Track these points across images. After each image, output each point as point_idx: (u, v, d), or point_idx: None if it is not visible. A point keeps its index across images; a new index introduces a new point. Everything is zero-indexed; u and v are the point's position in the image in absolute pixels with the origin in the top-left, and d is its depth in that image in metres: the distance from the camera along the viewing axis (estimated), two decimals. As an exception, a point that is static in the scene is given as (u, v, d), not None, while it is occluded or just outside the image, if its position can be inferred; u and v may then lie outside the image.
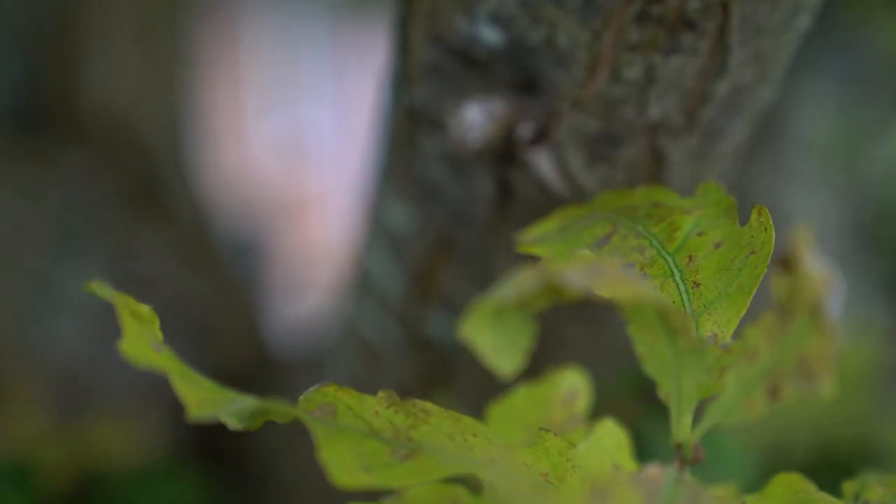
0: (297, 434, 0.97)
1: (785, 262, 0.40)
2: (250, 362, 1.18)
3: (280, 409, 0.42)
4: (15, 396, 1.02)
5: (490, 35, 0.56)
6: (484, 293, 0.67)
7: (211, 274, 1.19)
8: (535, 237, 0.52)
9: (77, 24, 1.12)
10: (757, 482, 0.71)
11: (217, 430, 1.11)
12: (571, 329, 0.71)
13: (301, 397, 0.44)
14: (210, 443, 1.09)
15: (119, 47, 1.14)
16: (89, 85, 1.12)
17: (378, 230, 0.74)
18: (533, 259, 0.52)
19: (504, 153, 0.59)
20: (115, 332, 1.09)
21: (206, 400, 0.41)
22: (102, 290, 0.43)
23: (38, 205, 1.08)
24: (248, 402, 0.42)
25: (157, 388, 1.09)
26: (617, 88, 0.55)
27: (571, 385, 0.53)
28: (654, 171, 0.59)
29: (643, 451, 0.63)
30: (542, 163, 0.58)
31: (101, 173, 1.11)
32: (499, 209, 0.63)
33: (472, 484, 0.49)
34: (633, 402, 0.77)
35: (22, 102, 1.11)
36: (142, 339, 0.41)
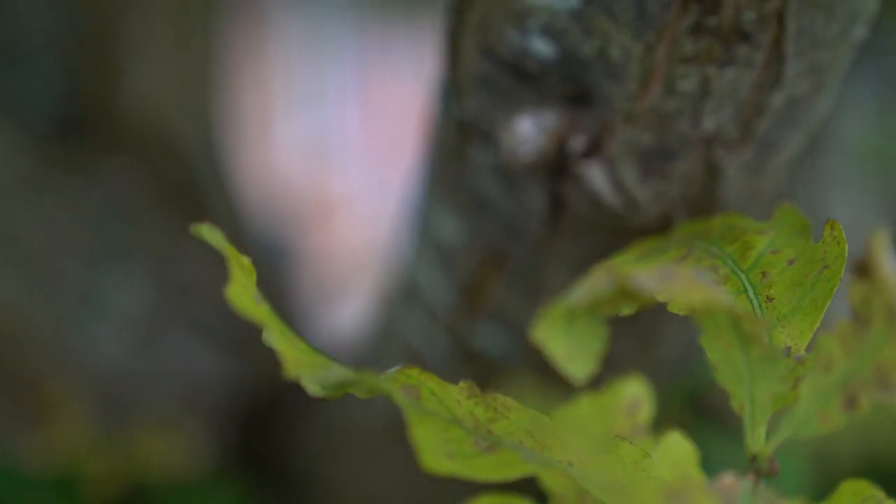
0: (342, 442, 0.96)
1: (860, 268, 0.40)
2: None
3: (367, 382, 0.42)
4: (59, 407, 1.02)
5: (542, 48, 0.56)
6: (535, 306, 0.67)
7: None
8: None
9: (115, 32, 1.12)
10: (811, 493, 0.70)
11: (261, 438, 1.11)
12: (622, 343, 0.70)
13: (383, 376, 0.44)
14: (254, 451, 1.09)
15: (156, 54, 1.14)
16: (128, 92, 1.12)
17: (426, 241, 0.74)
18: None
19: (556, 167, 0.59)
20: (157, 340, 1.10)
21: (302, 361, 0.42)
22: (211, 234, 0.42)
23: (79, 214, 1.08)
24: (337, 370, 0.42)
25: (201, 397, 1.09)
26: (671, 101, 0.55)
27: (634, 394, 0.53)
28: (709, 184, 0.59)
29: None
30: (595, 176, 0.58)
31: (141, 181, 1.11)
32: (550, 223, 0.63)
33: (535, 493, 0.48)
34: (683, 415, 0.77)
35: (61, 111, 1.12)
36: (246, 290, 0.42)
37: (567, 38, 0.54)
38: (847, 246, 0.45)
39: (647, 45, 0.53)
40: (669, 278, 0.38)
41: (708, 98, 0.55)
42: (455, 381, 0.43)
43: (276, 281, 1.41)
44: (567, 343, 0.38)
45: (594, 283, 0.38)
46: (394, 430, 0.86)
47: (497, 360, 0.74)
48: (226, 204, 1.20)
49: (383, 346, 0.89)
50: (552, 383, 0.67)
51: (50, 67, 1.11)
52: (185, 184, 1.12)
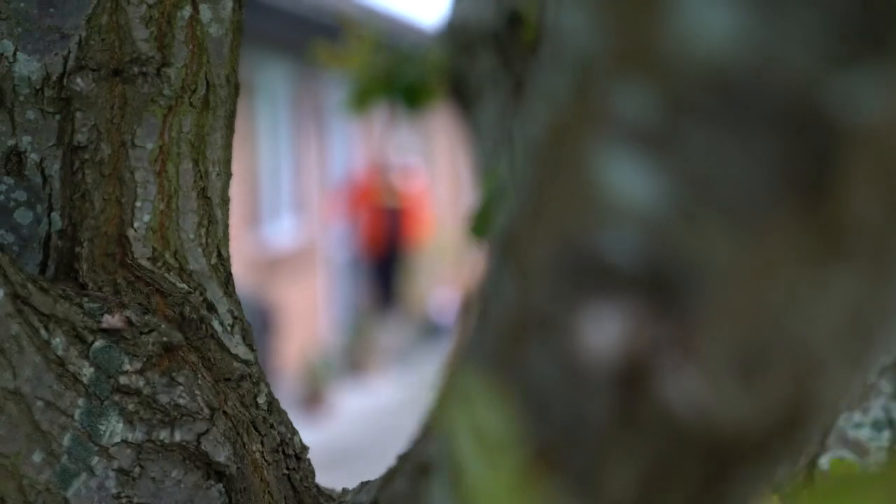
0: None
1: None
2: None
3: None
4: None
5: (624, 252, 0.49)
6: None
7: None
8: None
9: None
10: None
11: None
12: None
13: None
14: None
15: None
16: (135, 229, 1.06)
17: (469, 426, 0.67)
18: None
19: (631, 373, 0.51)
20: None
21: None
22: None
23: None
24: None
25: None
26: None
27: None
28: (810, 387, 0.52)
29: None
30: (678, 388, 0.50)
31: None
32: (615, 433, 0.55)
33: None
34: None
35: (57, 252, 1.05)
36: None
37: (657, 243, 0.47)
38: None
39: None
40: None
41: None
42: None
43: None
44: None
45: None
46: None
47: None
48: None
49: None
50: None
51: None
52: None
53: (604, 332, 0.49)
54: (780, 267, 0.45)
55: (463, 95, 2.72)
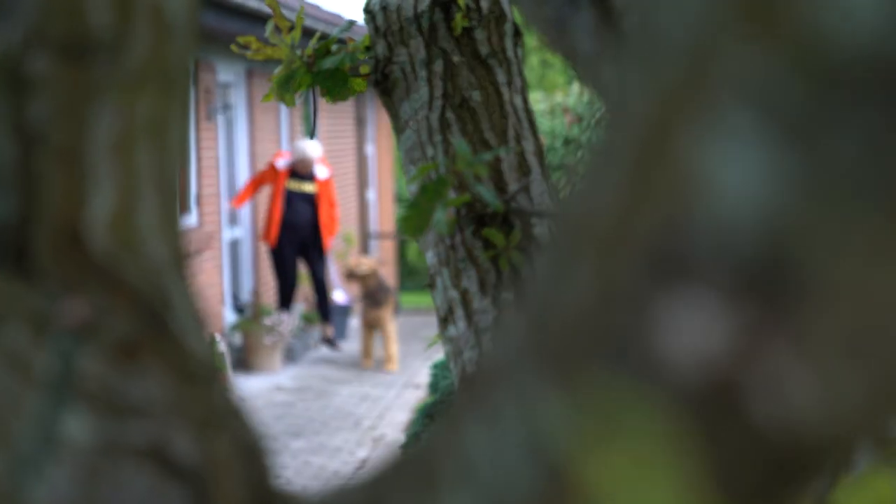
0: None
1: None
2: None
3: None
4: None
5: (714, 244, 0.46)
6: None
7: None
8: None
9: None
10: None
11: None
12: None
13: None
14: None
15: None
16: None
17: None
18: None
19: (722, 387, 0.48)
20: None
21: None
22: None
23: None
24: None
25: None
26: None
27: None
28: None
29: None
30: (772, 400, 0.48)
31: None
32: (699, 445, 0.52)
33: None
34: None
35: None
36: None
37: (774, 231, 0.44)
38: None
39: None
40: None
41: None
42: None
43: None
44: None
45: None
46: None
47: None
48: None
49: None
50: None
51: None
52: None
53: (702, 330, 0.46)
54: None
55: (387, 82, 2.68)
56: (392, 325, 14.07)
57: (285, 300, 14.10)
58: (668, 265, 0.49)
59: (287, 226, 13.66)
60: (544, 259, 0.59)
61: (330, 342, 14.52)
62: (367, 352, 14.35)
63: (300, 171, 13.69)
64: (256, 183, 13.61)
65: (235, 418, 1.08)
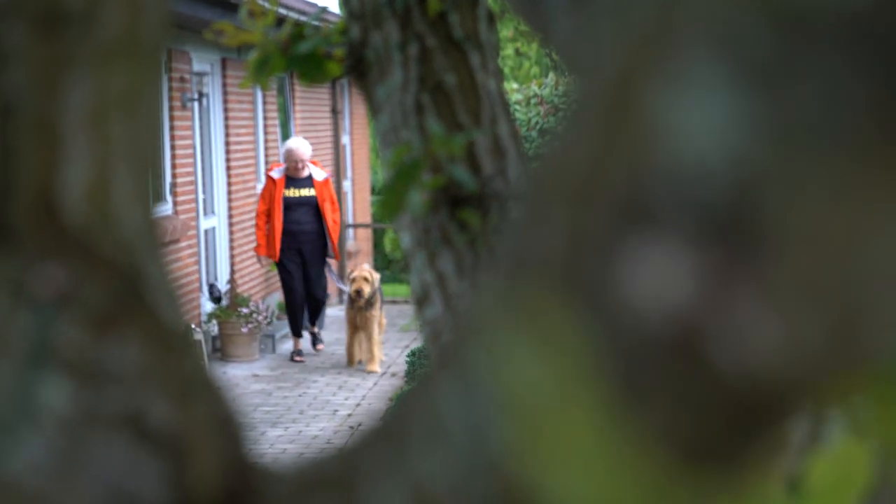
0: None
1: None
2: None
3: None
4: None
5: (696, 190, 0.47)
6: None
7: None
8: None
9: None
10: None
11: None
12: None
13: None
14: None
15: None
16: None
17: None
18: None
19: (685, 334, 0.50)
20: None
21: None
22: None
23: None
24: None
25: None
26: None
27: None
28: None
29: None
30: (737, 343, 0.49)
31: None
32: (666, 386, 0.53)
33: None
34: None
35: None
36: None
37: (738, 176, 0.45)
38: None
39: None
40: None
41: None
42: None
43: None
44: None
45: None
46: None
47: None
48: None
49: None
50: None
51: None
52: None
53: (667, 276, 0.47)
54: (874, 202, 0.44)
55: (362, 66, 2.68)
56: (377, 326, 13.61)
57: (296, 324, 13.72)
58: (635, 213, 0.50)
59: (288, 235, 13.25)
60: (517, 212, 0.60)
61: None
62: (351, 354, 13.88)
63: (294, 175, 13.25)
64: (262, 212, 13.31)
65: (210, 389, 1.09)
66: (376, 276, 13.49)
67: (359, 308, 13.24)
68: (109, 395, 0.99)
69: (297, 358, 13.83)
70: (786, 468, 0.69)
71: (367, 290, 13.10)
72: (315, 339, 14.34)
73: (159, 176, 1.10)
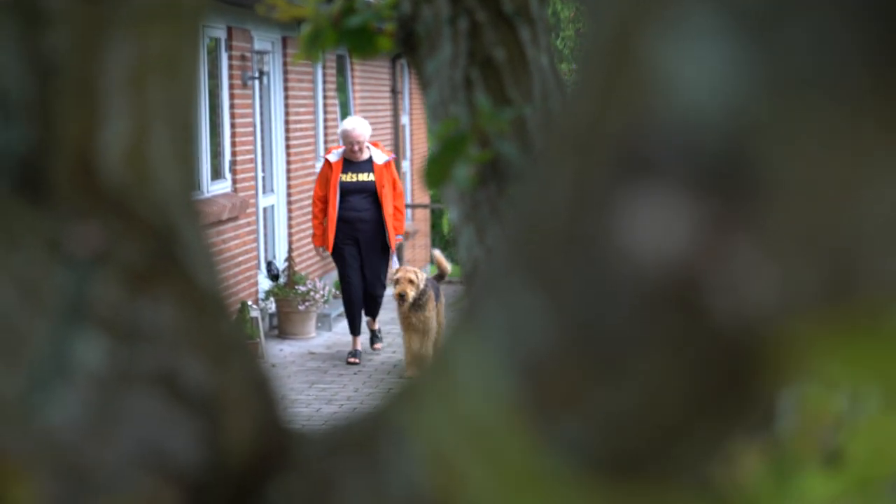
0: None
1: None
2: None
3: None
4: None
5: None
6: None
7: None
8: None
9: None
10: None
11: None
12: None
13: None
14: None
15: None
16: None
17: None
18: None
19: (683, 284, 0.50)
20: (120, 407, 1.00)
21: None
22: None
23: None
24: None
25: (166, 463, 0.99)
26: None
27: None
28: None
29: None
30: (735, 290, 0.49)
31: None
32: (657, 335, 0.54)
33: None
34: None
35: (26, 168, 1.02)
36: None
37: (736, 126, 0.46)
38: None
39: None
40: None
41: None
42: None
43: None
44: None
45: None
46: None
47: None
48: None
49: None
50: None
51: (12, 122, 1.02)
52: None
53: (665, 226, 0.48)
54: (866, 150, 0.44)
55: (412, 40, 2.69)
56: (435, 323, 11.76)
57: (354, 321, 12.48)
58: (634, 164, 0.50)
59: (343, 223, 12.09)
60: (532, 171, 0.61)
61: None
62: (410, 359, 12.08)
63: (352, 157, 12.08)
64: (318, 198, 12.17)
65: (245, 353, 1.11)
66: (422, 275, 11.84)
67: (411, 309, 11.64)
68: (144, 354, 1.01)
69: (352, 360, 12.62)
70: (824, 442, 0.70)
71: (410, 293, 11.56)
72: (374, 337, 13.21)
73: (194, 139, 1.12)
